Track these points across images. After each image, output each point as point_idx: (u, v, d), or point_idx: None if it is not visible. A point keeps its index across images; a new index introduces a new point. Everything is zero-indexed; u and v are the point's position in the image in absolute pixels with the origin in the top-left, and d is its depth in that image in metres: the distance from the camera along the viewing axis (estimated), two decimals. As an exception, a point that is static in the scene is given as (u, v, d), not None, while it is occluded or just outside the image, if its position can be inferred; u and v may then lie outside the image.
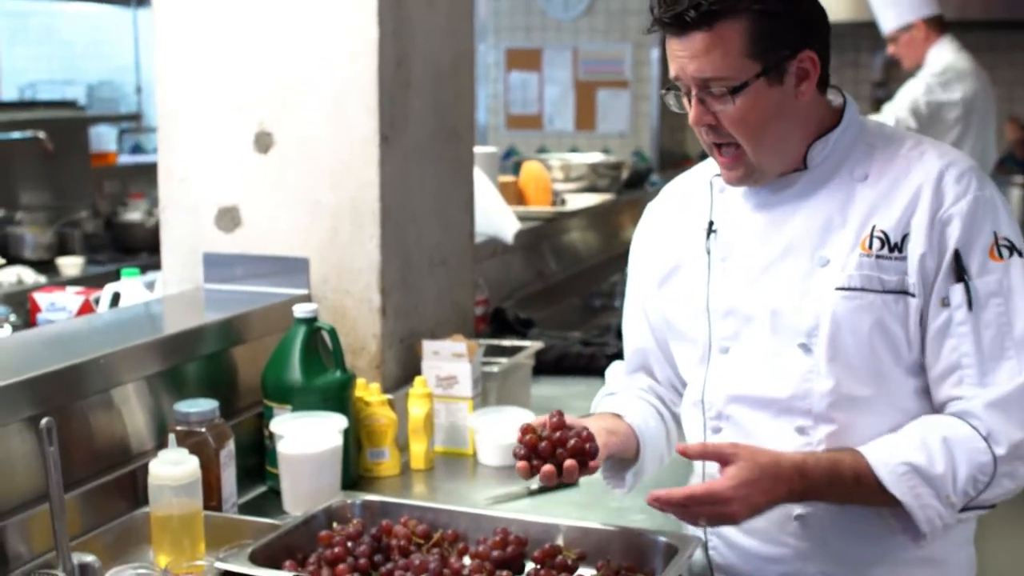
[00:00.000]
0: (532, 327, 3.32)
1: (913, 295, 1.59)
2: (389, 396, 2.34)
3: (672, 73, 1.62)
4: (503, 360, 2.64)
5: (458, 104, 2.70)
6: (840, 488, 1.57)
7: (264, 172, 2.43)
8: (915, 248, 1.58)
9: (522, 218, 3.87)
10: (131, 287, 2.62)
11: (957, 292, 1.57)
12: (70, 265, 4.58)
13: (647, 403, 1.87)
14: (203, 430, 1.95)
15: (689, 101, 1.63)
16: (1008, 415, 1.55)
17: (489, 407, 2.49)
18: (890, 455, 1.56)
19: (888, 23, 5.02)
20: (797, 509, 1.64)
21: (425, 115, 2.54)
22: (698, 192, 1.81)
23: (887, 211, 1.61)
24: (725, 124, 1.61)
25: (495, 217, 3.35)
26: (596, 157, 4.92)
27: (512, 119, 8.65)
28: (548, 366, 3.01)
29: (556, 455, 1.64)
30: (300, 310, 2.20)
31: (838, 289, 1.60)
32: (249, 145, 2.43)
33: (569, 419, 1.68)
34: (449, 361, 2.44)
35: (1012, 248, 1.59)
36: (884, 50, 5.18)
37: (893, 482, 1.54)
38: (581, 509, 2.12)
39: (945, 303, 1.58)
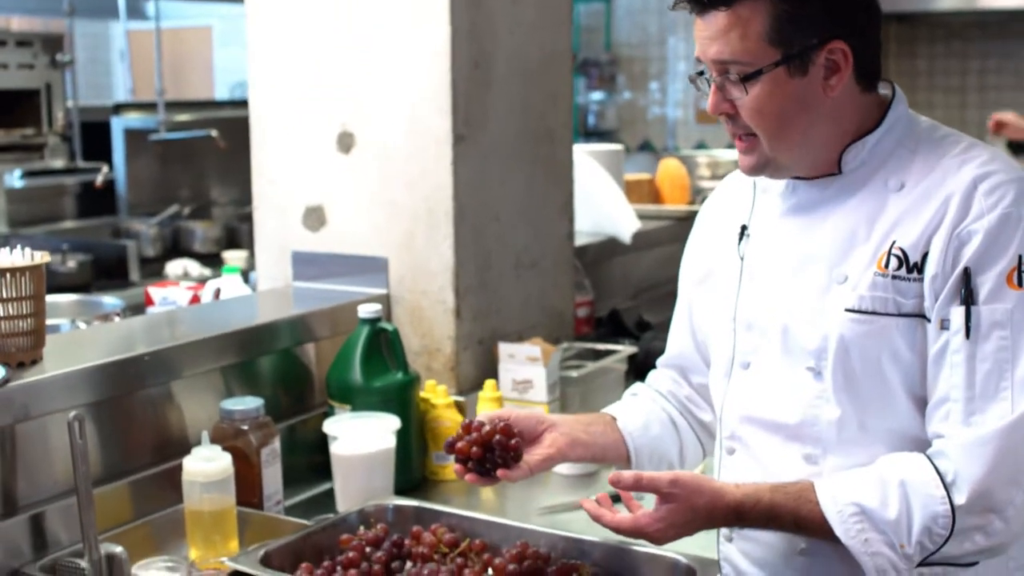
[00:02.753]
0: (649, 330, 3.23)
1: (930, 320, 1.43)
2: (459, 398, 2.33)
3: (695, 54, 1.51)
4: (590, 364, 2.58)
5: (552, 104, 2.65)
6: (779, 528, 1.46)
7: (346, 172, 2.46)
8: (931, 268, 1.43)
9: (655, 217, 3.79)
10: (231, 283, 2.70)
11: (957, 315, 1.40)
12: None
13: (660, 409, 1.79)
14: (245, 428, 1.98)
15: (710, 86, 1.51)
16: (982, 460, 1.37)
17: (570, 413, 2.43)
18: (842, 493, 1.42)
19: None
20: (802, 543, 1.52)
21: (510, 115, 2.50)
22: (743, 191, 1.69)
23: (911, 225, 1.45)
24: (742, 113, 1.49)
25: (614, 216, 3.28)
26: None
27: (701, 114, 8.49)
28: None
29: (472, 454, 1.59)
30: (364, 310, 2.21)
31: (847, 311, 1.47)
32: (332, 145, 2.46)
33: (512, 415, 1.63)
34: (524, 365, 2.40)
35: None
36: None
37: (839, 523, 1.40)
38: (634, 524, 2.05)
39: (944, 326, 1.41)
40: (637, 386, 1.87)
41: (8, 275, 1.79)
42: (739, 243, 1.65)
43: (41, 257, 1.84)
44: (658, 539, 1.50)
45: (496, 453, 1.58)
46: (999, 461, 1.37)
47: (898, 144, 1.53)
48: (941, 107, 6.97)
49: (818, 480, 1.46)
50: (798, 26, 1.44)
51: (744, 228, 1.65)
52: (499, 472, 1.58)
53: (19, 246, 1.85)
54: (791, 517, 1.45)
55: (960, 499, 1.38)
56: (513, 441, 1.59)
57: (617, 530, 1.50)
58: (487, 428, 1.60)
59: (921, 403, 1.46)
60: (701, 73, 1.54)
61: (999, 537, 1.39)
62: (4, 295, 1.79)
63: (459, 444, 1.59)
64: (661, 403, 1.80)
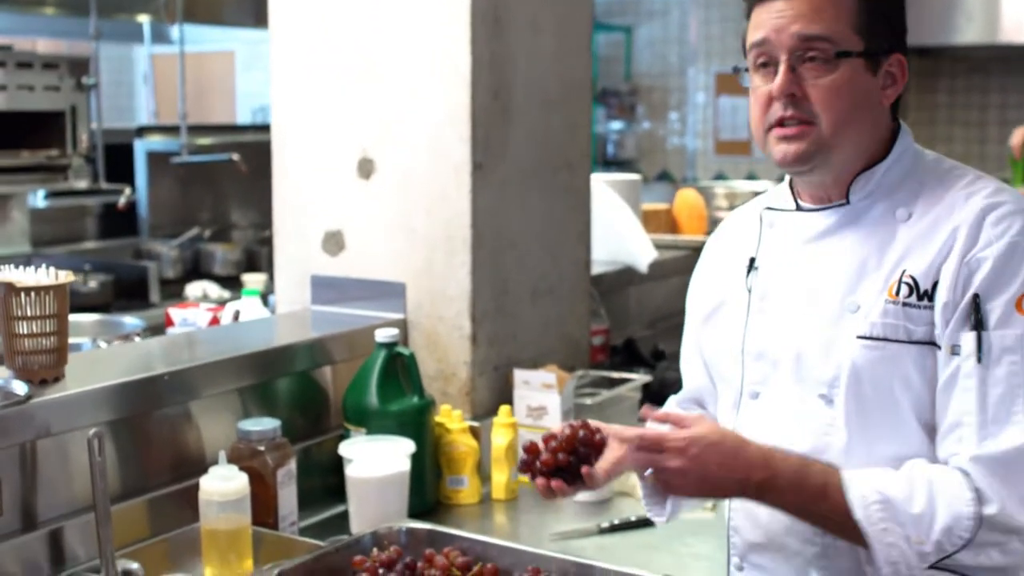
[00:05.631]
0: (664, 359, 3.25)
1: (940, 347, 1.46)
2: (474, 423, 2.35)
3: (759, 37, 1.51)
4: (604, 392, 2.59)
5: (570, 133, 2.68)
6: (804, 494, 1.45)
7: (366, 198, 2.49)
8: (941, 296, 1.45)
9: (672, 247, 3.81)
10: (250, 306, 2.73)
11: (968, 341, 1.43)
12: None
13: None
14: (262, 448, 2.00)
15: (774, 69, 1.50)
16: (1003, 479, 1.39)
17: (584, 440, 2.44)
18: (868, 482, 1.43)
19: None
20: (814, 573, 1.53)
21: (528, 144, 2.53)
22: (749, 226, 1.72)
23: (921, 254, 1.48)
24: (814, 96, 1.49)
25: (631, 245, 3.30)
26: (763, 185, 4.77)
27: (721, 145, 8.52)
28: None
29: (559, 461, 1.51)
30: (381, 335, 2.23)
31: (859, 338, 1.49)
32: (353, 171, 2.49)
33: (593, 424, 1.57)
34: (539, 391, 2.42)
35: None
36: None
37: (861, 508, 1.40)
38: (648, 551, 2.06)
39: (954, 351, 1.44)
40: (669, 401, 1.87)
41: (32, 293, 1.82)
42: (747, 275, 1.67)
43: (65, 276, 1.87)
44: (677, 466, 1.45)
45: (580, 454, 1.52)
46: (1015, 483, 1.39)
47: (906, 175, 1.56)
48: (960, 141, 6.98)
49: (844, 470, 1.46)
50: (880, 26, 1.52)
51: (752, 260, 1.67)
52: (583, 469, 1.49)
53: (44, 265, 1.88)
54: (820, 479, 1.43)
55: (989, 509, 1.38)
56: (598, 437, 1.53)
57: (642, 439, 1.48)
58: (567, 432, 1.53)
59: (930, 430, 1.48)
60: (752, 67, 1.55)
61: (1014, 558, 1.40)
62: (28, 313, 1.82)
63: (544, 457, 1.52)
64: None
